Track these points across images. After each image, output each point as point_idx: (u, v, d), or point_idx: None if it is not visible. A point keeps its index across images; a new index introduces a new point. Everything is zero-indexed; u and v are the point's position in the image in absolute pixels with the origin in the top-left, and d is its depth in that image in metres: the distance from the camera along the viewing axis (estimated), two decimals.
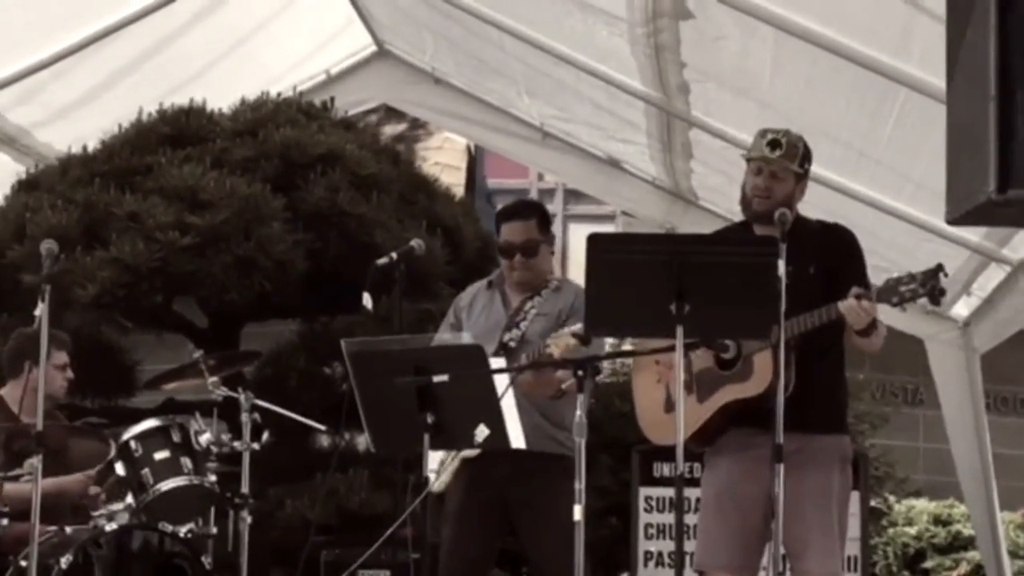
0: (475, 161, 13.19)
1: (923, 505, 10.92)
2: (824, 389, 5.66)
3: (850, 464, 5.80)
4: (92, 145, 8.97)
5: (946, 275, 5.35)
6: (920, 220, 7.71)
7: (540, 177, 13.31)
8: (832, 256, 5.60)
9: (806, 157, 5.75)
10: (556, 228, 13.26)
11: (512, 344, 6.40)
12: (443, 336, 6.51)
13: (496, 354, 6.23)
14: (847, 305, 5.36)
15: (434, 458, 6.37)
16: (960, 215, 4.22)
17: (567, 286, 6.61)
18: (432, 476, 6.50)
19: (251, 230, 8.33)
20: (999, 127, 3.99)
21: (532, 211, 6.66)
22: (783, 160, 5.65)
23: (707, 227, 8.89)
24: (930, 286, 5.33)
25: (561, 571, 5.39)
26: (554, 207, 13.49)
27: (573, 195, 12.94)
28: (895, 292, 5.37)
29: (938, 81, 5.04)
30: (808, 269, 5.57)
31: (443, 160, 13.25)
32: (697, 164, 9.01)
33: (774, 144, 5.67)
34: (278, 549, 8.07)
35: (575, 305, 6.28)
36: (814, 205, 6.06)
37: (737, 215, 5.92)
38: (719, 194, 8.89)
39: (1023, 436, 12.85)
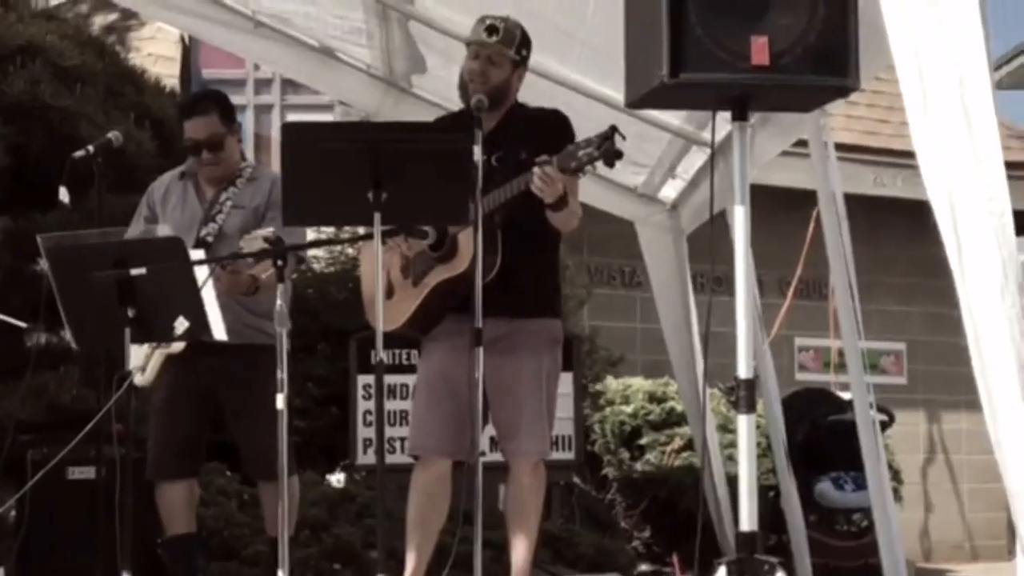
0: (190, 52, 12.94)
1: (639, 383, 11.12)
2: (534, 273, 5.75)
3: (560, 346, 5.91)
4: None
5: (623, 137, 5.40)
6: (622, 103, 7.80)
7: (256, 67, 13.11)
8: (542, 140, 5.63)
9: (524, 44, 5.80)
10: (274, 118, 13.16)
11: (209, 239, 6.34)
12: (136, 229, 6.42)
13: (195, 249, 6.17)
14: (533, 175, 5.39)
15: (137, 354, 6.30)
16: (637, 98, 4.39)
17: (263, 175, 6.55)
18: (137, 372, 6.43)
19: None
20: (670, 18, 4.20)
21: (211, 104, 6.54)
22: (499, 45, 5.71)
23: (421, 116, 8.87)
24: (604, 148, 5.38)
25: (273, 461, 5.26)
26: (272, 97, 13.33)
27: (291, 85, 12.78)
28: (573, 157, 5.42)
29: None
30: (519, 155, 5.62)
31: (157, 51, 12.97)
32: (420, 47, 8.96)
33: (491, 29, 5.72)
34: None
35: (273, 197, 6.24)
36: (539, 92, 6.07)
37: (453, 103, 5.93)
38: (435, 79, 8.87)
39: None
